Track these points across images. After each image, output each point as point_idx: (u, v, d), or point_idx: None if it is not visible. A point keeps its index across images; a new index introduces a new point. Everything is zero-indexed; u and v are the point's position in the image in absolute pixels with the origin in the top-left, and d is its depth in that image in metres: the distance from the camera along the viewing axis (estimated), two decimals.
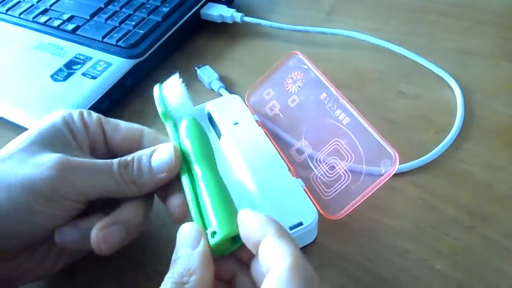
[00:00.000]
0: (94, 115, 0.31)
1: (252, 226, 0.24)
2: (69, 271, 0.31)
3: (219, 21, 0.51)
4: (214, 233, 0.25)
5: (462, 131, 0.38)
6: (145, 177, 0.28)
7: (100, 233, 0.26)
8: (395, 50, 0.45)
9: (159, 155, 0.29)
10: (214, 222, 0.25)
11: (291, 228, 0.30)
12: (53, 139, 0.29)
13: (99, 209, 0.29)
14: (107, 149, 0.31)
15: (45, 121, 0.30)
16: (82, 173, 0.27)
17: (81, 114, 0.31)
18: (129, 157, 0.29)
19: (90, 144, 0.31)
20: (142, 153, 0.29)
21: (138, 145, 0.31)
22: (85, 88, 0.42)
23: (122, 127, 0.31)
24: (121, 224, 0.27)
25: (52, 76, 0.44)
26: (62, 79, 0.44)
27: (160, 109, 0.32)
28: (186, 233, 0.25)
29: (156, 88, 0.33)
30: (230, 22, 0.50)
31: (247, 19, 0.50)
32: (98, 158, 0.29)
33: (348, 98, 0.35)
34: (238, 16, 0.50)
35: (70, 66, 0.45)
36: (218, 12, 0.50)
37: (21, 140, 0.28)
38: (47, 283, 0.31)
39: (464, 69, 0.43)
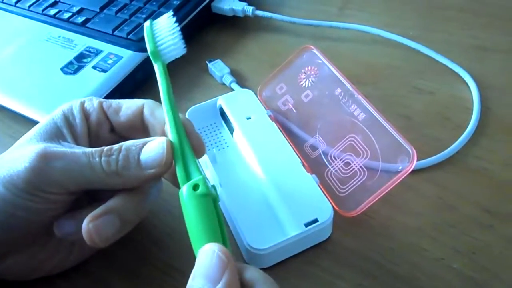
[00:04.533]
0: (95, 101, 0.30)
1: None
2: (82, 269, 0.31)
3: (230, 14, 0.50)
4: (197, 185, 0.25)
5: (479, 128, 0.37)
6: (132, 170, 0.26)
7: (91, 224, 0.25)
8: (410, 45, 0.44)
9: (150, 148, 0.27)
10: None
11: (307, 225, 0.30)
12: (48, 135, 0.28)
13: (98, 199, 0.28)
14: (114, 132, 0.31)
15: (47, 117, 0.30)
16: (59, 163, 0.26)
17: (82, 104, 0.30)
18: (115, 146, 0.27)
19: (93, 132, 0.30)
20: (132, 144, 0.27)
21: (140, 121, 0.30)
22: (95, 81, 0.42)
23: (123, 107, 0.30)
24: (113, 213, 0.26)
25: (62, 69, 0.44)
26: (72, 72, 0.43)
27: (149, 48, 0.30)
28: (207, 260, 0.22)
29: (146, 24, 0.31)
30: (241, 15, 0.50)
31: (259, 12, 0.49)
32: (103, 144, 0.28)
33: (362, 94, 0.34)
34: (249, 9, 0.49)
35: (80, 59, 0.44)
36: (229, 5, 0.49)
37: (24, 136, 0.29)
38: (61, 280, 0.31)
39: (480, 65, 0.42)
